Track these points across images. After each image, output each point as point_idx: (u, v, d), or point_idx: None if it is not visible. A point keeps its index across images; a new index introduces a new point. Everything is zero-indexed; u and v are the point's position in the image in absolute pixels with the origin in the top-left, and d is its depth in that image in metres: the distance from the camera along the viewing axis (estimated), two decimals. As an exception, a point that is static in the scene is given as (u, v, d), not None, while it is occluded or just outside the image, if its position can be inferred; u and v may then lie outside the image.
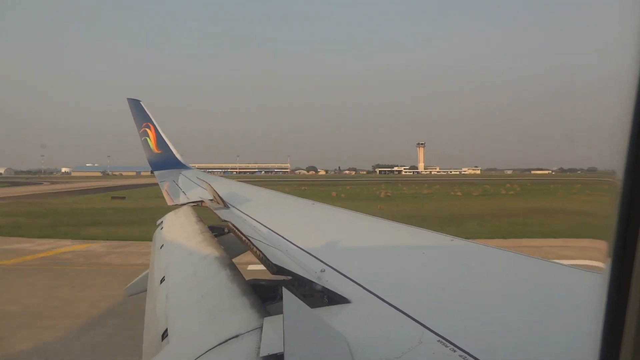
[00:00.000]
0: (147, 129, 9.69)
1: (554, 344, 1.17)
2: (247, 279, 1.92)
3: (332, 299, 1.54)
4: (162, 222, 4.15)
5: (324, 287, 1.59)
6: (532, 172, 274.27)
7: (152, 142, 9.63)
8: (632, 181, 0.55)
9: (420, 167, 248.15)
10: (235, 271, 1.96)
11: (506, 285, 1.70)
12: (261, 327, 1.29)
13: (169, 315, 1.76)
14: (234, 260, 2.29)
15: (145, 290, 2.64)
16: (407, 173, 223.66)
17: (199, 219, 3.57)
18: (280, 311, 1.18)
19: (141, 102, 9.90)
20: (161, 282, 2.28)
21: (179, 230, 3.39)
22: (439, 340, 1.17)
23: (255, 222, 3.12)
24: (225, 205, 3.83)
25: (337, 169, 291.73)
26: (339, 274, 1.79)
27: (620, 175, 0.56)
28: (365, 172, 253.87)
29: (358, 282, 1.68)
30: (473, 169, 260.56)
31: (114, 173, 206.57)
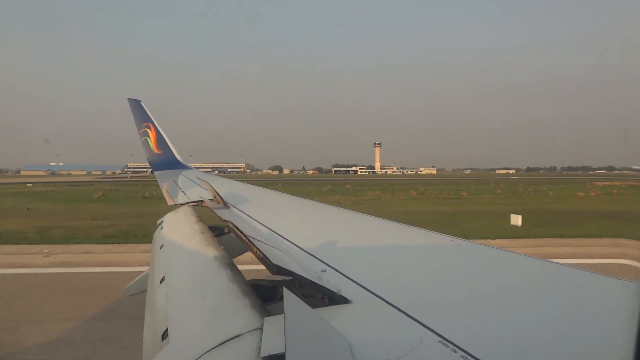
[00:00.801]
0: (148, 129, 9.54)
1: (559, 347, 1.15)
2: (247, 279, 1.89)
3: (333, 299, 1.52)
4: (162, 222, 4.09)
5: (324, 287, 1.57)
6: (497, 171, 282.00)
7: (152, 142, 9.48)
8: None
9: (377, 166, 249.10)
10: (235, 271, 1.94)
11: (507, 285, 1.67)
12: (262, 328, 1.27)
13: (169, 315, 1.75)
14: (234, 260, 2.26)
15: (145, 291, 2.60)
16: (363, 173, 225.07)
17: (199, 219, 3.52)
18: (280, 311, 1.18)
19: (141, 102, 9.73)
20: (161, 282, 2.26)
21: (179, 230, 3.35)
22: (439, 341, 1.16)
23: (255, 222, 3.09)
24: (226, 205, 3.78)
25: (302, 168, 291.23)
26: (340, 274, 1.77)
27: None
28: (316, 172, 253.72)
29: (359, 282, 1.66)
30: (429, 169, 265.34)
31: (61, 172, 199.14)
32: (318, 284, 1.60)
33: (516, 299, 1.51)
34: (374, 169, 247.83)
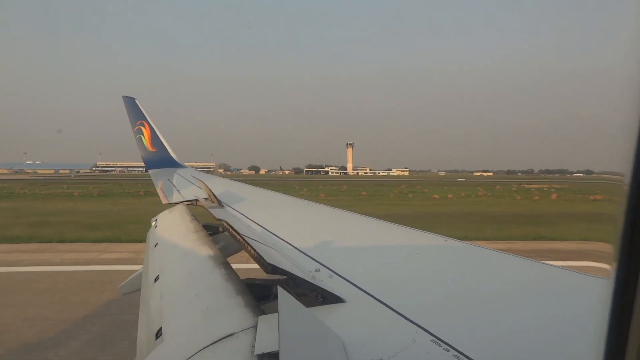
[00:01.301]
0: (142, 127, 9.48)
1: (549, 345, 1.16)
2: (241, 278, 1.90)
3: (327, 298, 1.53)
4: (156, 220, 4.09)
5: (318, 287, 1.58)
6: (475, 173, 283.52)
7: (146, 140, 9.42)
8: (638, 184, 0.54)
9: (349, 167, 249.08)
10: (229, 270, 1.96)
11: (499, 286, 1.69)
12: (256, 326, 1.28)
13: (163, 314, 1.74)
14: (228, 259, 2.27)
15: (139, 290, 2.59)
16: (335, 173, 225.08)
17: (194, 218, 3.53)
18: (274, 310, 1.18)
19: (136, 100, 9.63)
20: (155, 280, 2.26)
21: (174, 229, 3.36)
22: (432, 340, 1.17)
23: (250, 221, 3.10)
24: (220, 204, 3.78)
25: (279, 168, 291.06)
26: (334, 274, 1.78)
27: (627, 178, 0.54)
28: (292, 172, 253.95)
29: (352, 281, 1.67)
30: (401, 171, 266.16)
31: (27, 171, 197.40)
32: (312, 284, 1.61)
33: (508, 299, 1.52)
34: (346, 169, 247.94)
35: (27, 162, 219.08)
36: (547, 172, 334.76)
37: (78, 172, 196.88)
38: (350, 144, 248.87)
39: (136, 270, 3.70)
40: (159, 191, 6.00)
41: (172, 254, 2.73)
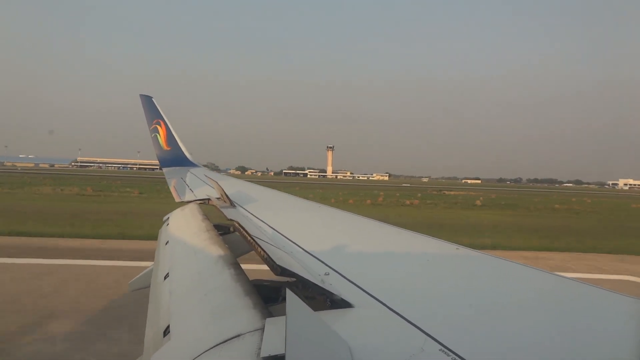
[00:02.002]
0: (158, 126, 9.54)
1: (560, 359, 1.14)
2: (251, 278, 1.89)
3: (335, 302, 1.52)
4: (168, 218, 4.13)
5: (327, 291, 1.56)
6: (464, 180, 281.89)
7: (162, 139, 9.48)
8: None
9: (329, 170, 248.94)
10: (239, 270, 1.96)
11: (511, 297, 1.64)
12: (263, 328, 1.27)
13: (172, 311, 1.75)
14: (238, 259, 2.27)
15: (148, 286, 2.61)
16: (313, 176, 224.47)
17: (205, 217, 3.55)
18: (282, 313, 1.17)
19: (153, 99, 9.71)
20: (165, 278, 2.27)
21: (185, 227, 3.37)
22: (441, 349, 1.14)
23: (261, 222, 3.09)
24: (232, 204, 3.76)
25: (266, 169, 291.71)
26: (343, 278, 1.76)
27: None
28: (270, 174, 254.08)
29: (362, 286, 1.65)
30: (381, 175, 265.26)
31: (6, 163, 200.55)
32: (321, 287, 1.58)
33: (520, 311, 1.48)
34: (326, 172, 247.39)
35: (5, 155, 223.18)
36: (536, 181, 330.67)
37: (52, 166, 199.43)
38: (330, 147, 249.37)
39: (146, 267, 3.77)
40: (171, 189, 6.04)
41: (183, 252, 2.75)
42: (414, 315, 1.37)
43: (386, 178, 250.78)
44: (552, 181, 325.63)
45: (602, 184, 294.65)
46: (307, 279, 1.63)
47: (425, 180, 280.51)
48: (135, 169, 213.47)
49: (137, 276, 3.78)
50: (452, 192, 71.85)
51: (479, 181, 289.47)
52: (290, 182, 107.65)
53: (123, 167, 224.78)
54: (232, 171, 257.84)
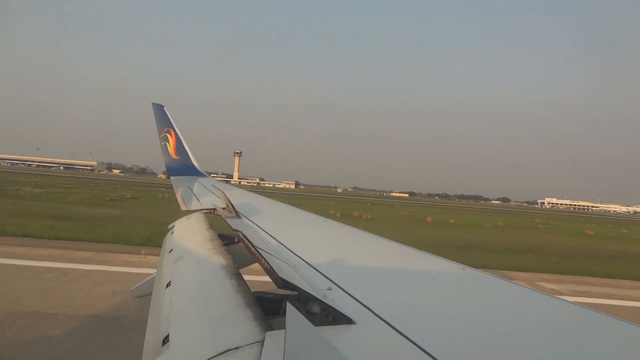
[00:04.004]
0: (168, 134, 9.71)
1: None
2: (252, 290, 1.88)
3: (337, 318, 1.50)
4: (173, 226, 4.16)
5: (329, 306, 1.54)
6: (392, 194, 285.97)
7: (171, 147, 9.64)
8: None
9: (235, 176, 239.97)
10: (241, 282, 1.95)
11: (517, 322, 1.63)
12: (262, 341, 1.27)
13: (172, 321, 1.76)
14: (241, 270, 2.27)
15: (150, 294, 2.60)
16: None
17: (210, 226, 3.56)
18: (283, 326, 1.13)
19: (164, 108, 9.92)
20: (167, 287, 2.28)
21: (189, 236, 3.38)
22: None
23: (265, 233, 3.12)
24: (237, 215, 3.81)
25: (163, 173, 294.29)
26: (346, 294, 1.77)
27: None
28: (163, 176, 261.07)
29: (365, 303, 1.65)
30: (288, 183, 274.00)
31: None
32: (323, 302, 1.57)
33: (525, 336, 1.45)
34: (232, 177, 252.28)
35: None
36: (462, 197, 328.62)
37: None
38: (237, 153, 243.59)
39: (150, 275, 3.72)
40: (178, 198, 6.08)
41: (185, 261, 2.74)
42: (417, 335, 1.35)
43: (292, 186, 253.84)
44: (478, 197, 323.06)
45: (533, 202, 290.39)
46: (310, 293, 1.60)
47: (339, 190, 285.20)
48: (34, 166, 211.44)
49: (140, 283, 3.77)
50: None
51: (407, 194, 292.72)
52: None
53: (16, 163, 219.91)
54: (115, 171, 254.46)
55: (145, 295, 3.45)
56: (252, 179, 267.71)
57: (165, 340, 1.60)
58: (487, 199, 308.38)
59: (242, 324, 1.46)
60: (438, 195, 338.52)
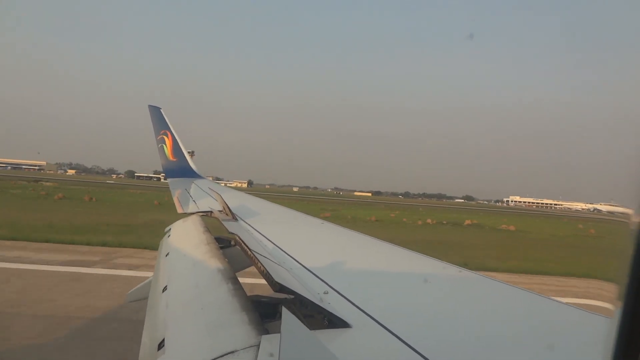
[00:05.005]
0: (165, 137, 9.70)
1: None
2: (249, 294, 1.89)
3: (333, 322, 1.51)
4: (170, 229, 4.13)
5: (325, 309, 1.55)
6: (356, 193, 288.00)
7: (168, 149, 9.63)
8: None
9: None
10: (237, 285, 1.95)
11: (513, 323, 1.66)
12: (258, 345, 1.27)
13: (168, 325, 1.76)
14: (238, 274, 2.26)
15: (146, 298, 2.58)
16: (166, 181, 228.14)
17: (207, 229, 3.54)
18: (279, 329, 1.17)
19: (161, 110, 9.89)
20: (163, 290, 2.27)
21: (186, 239, 3.38)
22: None
23: (262, 236, 3.13)
24: (234, 218, 3.82)
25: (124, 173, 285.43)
26: (342, 297, 1.77)
27: (637, 216, 0.52)
28: (123, 176, 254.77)
29: (360, 307, 1.66)
30: (240, 182, 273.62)
31: None
32: (319, 306, 1.58)
33: (520, 337, 1.48)
34: None
35: None
36: (425, 195, 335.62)
37: None
38: (190, 152, 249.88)
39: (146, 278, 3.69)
40: (175, 200, 6.08)
41: (182, 265, 2.75)
42: (413, 338, 1.36)
43: (244, 185, 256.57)
44: (441, 196, 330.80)
45: (498, 201, 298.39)
46: (305, 297, 1.61)
47: (295, 189, 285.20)
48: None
49: (137, 287, 3.76)
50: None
51: (370, 194, 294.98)
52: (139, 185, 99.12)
53: (6, 166, 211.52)
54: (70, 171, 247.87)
55: (141, 299, 3.40)
56: (208, 178, 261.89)
57: (161, 344, 1.60)
58: (451, 198, 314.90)
59: (238, 327, 1.46)
60: (401, 194, 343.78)
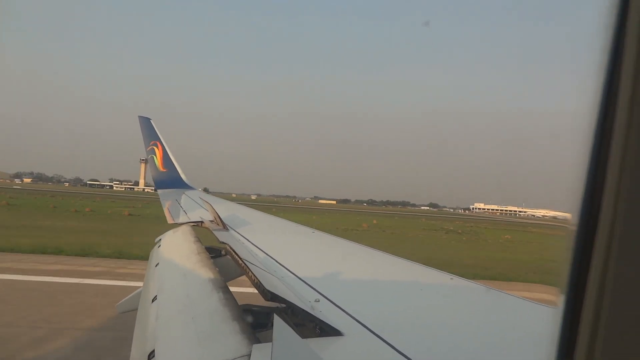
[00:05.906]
0: (155, 147, 9.66)
1: None
2: (240, 303, 1.89)
3: (325, 330, 1.51)
4: (160, 240, 4.11)
5: (317, 318, 1.56)
6: (320, 201, 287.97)
7: (158, 160, 9.59)
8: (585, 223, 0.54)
9: (141, 183, 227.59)
10: (228, 295, 1.94)
11: (504, 330, 1.67)
12: (249, 355, 1.27)
13: (157, 335, 1.73)
14: (228, 283, 2.25)
15: (136, 309, 2.58)
16: (119, 188, 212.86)
17: (197, 239, 3.53)
18: (271, 339, 1.17)
19: (151, 121, 9.88)
20: (153, 301, 2.25)
21: (176, 250, 3.36)
22: None
23: (253, 246, 3.12)
24: (225, 227, 3.82)
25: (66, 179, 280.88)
26: (334, 305, 1.78)
27: (574, 220, 0.55)
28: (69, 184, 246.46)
29: (352, 314, 1.66)
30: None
31: None
32: (311, 314, 1.58)
33: (510, 344, 1.50)
34: (138, 185, 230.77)
35: None
36: (389, 203, 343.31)
37: None
38: (143, 160, 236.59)
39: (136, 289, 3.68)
40: (165, 211, 6.03)
41: (172, 275, 2.72)
42: (404, 345, 1.36)
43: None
44: (405, 203, 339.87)
45: (465, 208, 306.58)
46: (297, 305, 1.62)
47: (254, 197, 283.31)
48: None
49: (126, 298, 3.72)
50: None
51: (334, 202, 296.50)
52: (91, 193, 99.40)
53: None
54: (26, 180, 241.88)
55: (131, 310, 3.38)
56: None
57: (151, 355, 1.58)
58: (414, 205, 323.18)
59: (229, 337, 1.46)
60: (365, 202, 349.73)
